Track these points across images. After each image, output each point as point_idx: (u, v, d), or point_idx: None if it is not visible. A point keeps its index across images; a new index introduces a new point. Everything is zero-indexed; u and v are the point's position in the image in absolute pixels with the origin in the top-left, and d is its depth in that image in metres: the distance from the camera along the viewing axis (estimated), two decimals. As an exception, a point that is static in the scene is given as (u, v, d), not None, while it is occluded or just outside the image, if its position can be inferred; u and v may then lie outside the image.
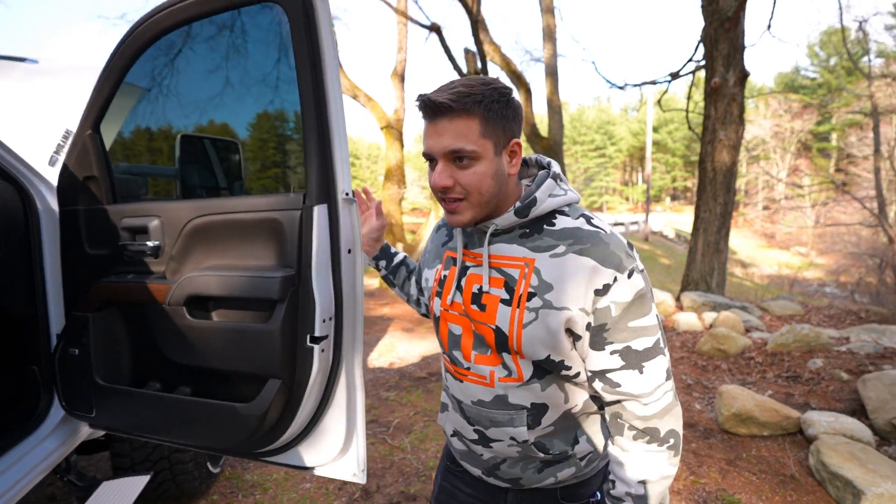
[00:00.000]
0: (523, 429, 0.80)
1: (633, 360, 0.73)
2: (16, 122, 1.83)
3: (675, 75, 7.73)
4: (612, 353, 0.73)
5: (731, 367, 3.72)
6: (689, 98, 8.08)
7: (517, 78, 11.19)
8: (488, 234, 0.78)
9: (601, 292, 0.71)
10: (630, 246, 0.75)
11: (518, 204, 0.77)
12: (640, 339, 0.73)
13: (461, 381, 0.84)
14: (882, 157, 10.95)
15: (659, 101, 8.85)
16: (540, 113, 11.80)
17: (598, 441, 0.86)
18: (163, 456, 1.84)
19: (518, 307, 0.74)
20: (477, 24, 7.25)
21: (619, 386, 0.74)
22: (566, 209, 0.79)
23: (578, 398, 0.82)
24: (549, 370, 0.78)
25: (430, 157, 0.75)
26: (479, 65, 7.40)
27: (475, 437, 0.85)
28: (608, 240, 0.73)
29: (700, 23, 6.96)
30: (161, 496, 1.98)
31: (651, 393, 0.74)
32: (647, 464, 0.75)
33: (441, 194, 0.76)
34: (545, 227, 0.77)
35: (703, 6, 6.30)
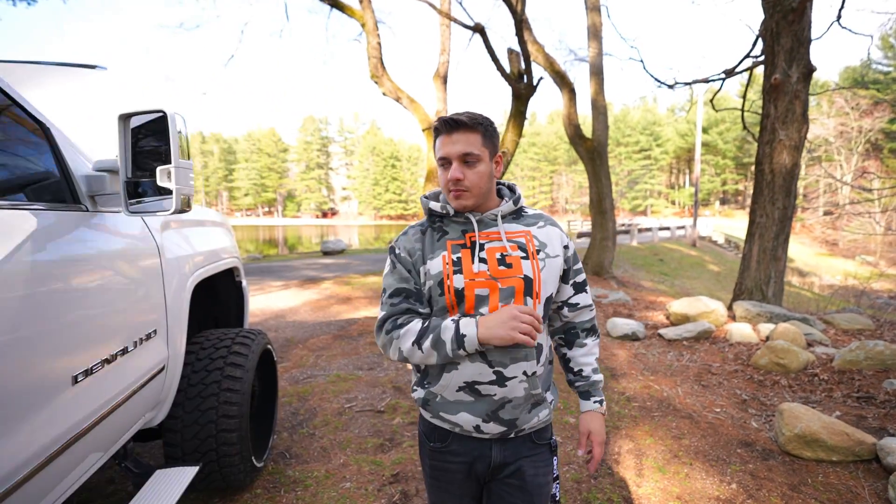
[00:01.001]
0: (534, 361, 1.08)
1: (581, 287, 1.22)
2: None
3: (729, 72, 7.33)
4: (573, 284, 1.21)
5: (792, 383, 3.46)
6: (744, 96, 7.63)
7: (561, 78, 10.97)
8: (499, 217, 1.13)
9: (567, 247, 1.18)
10: None
11: (511, 200, 1.16)
12: (581, 274, 1.22)
13: None
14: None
15: (711, 101, 8.41)
16: (583, 114, 11.54)
17: (553, 395, 1.19)
18: (211, 448, 1.89)
19: (534, 259, 1.10)
20: (521, 24, 7.16)
21: (578, 304, 1.22)
22: (528, 206, 1.24)
23: (548, 344, 1.19)
24: (547, 311, 1.15)
25: (446, 160, 1.07)
26: (523, 65, 7.30)
27: (492, 377, 1.06)
28: (556, 221, 1.22)
29: (759, 16, 6.56)
30: (209, 486, 2.04)
31: (591, 305, 1.25)
32: (596, 348, 1.26)
33: (453, 186, 1.07)
34: (523, 214, 1.19)
35: (763, -2, 5.94)
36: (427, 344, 1.04)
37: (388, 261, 1.17)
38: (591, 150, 10.76)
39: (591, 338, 1.24)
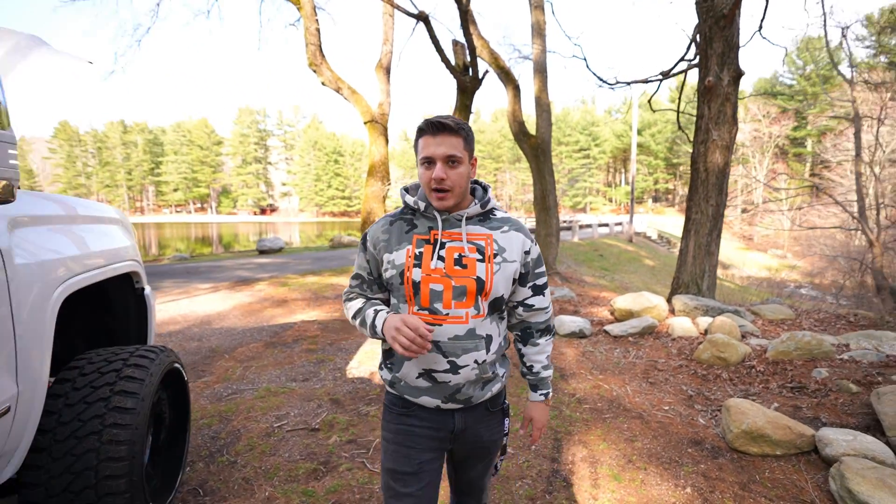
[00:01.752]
0: (483, 351, 1.19)
1: (539, 290, 1.29)
2: None
3: (666, 74, 7.60)
4: (530, 287, 1.27)
5: (732, 376, 3.53)
6: (679, 98, 7.96)
7: (506, 74, 10.94)
8: (464, 219, 1.20)
9: (528, 252, 1.24)
10: None
11: (479, 202, 1.22)
12: (542, 278, 1.29)
13: (440, 326, 1.16)
14: (862, 162, 11.09)
15: (649, 101, 8.71)
16: (527, 112, 11.66)
17: (504, 368, 1.31)
18: (90, 501, 1.51)
19: (489, 263, 1.18)
20: (466, 15, 6.98)
21: (533, 305, 1.29)
22: (498, 207, 1.28)
23: (502, 335, 1.27)
24: (495, 308, 1.22)
25: (430, 160, 1.13)
26: (468, 57, 7.13)
27: (447, 367, 1.17)
28: (524, 225, 1.26)
29: (693, 20, 6.83)
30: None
31: (547, 307, 1.33)
32: (549, 346, 1.36)
33: (437, 184, 1.13)
34: (490, 216, 1.24)
35: (697, 3, 6.15)
36: (358, 323, 1.25)
37: (360, 245, 1.30)
38: (535, 147, 10.85)
39: (544, 337, 1.35)
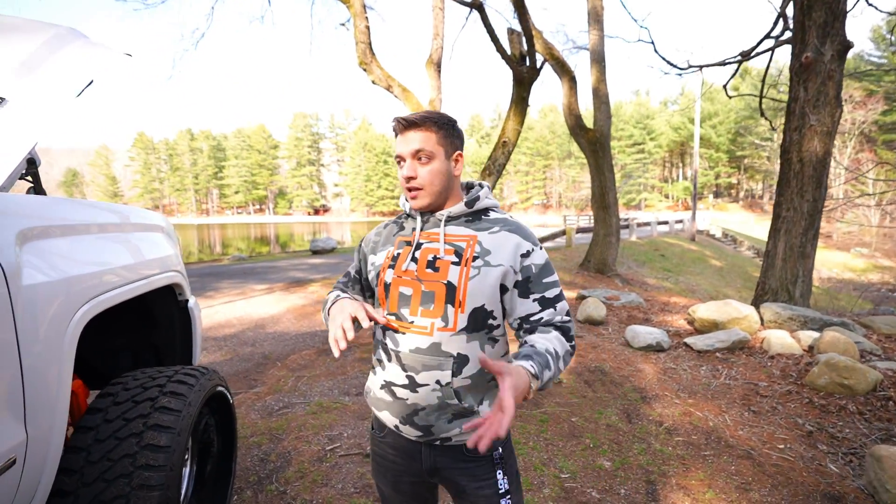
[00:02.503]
0: (448, 373, 1.02)
1: (549, 303, 1.06)
2: None
3: (746, 54, 6.79)
4: (534, 300, 1.05)
5: (862, 409, 2.92)
6: (763, 80, 7.08)
7: (561, 65, 10.39)
8: (444, 218, 1.09)
9: (525, 255, 1.06)
10: None
11: (466, 199, 1.11)
12: (553, 289, 1.07)
13: (403, 334, 1.06)
14: None
15: (724, 87, 7.86)
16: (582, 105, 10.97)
17: (490, 408, 1.00)
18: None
19: (465, 266, 1.04)
20: (522, 2, 6.55)
21: (542, 320, 1.05)
22: (495, 209, 1.15)
23: (476, 356, 1.04)
24: (478, 324, 1.04)
25: (401, 158, 1.07)
26: (525, 46, 6.70)
27: (405, 381, 1.05)
28: (525, 227, 1.12)
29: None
30: None
31: (565, 320, 1.07)
32: (560, 345, 1.01)
33: (406, 183, 1.07)
34: (482, 217, 1.12)
35: (791, -31, 5.39)
36: (323, 315, 1.17)
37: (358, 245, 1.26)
38: (593, 141, 10.21)
39: (558, 333, 1.05)
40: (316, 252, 15.85)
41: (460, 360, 1.03)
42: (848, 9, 5.37)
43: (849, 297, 14.60)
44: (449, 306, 1.03)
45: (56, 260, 1.19)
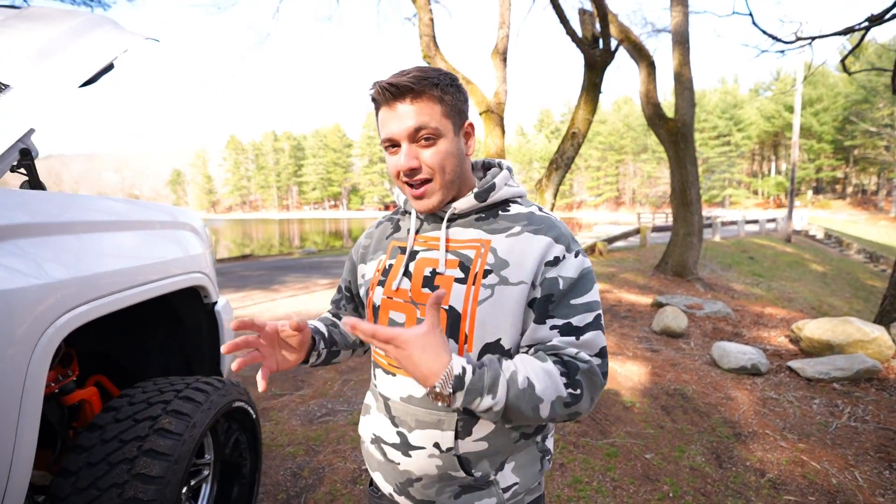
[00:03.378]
0: (450, 434, 0.76)
1: (571, 332, 0.73)
2: None
3: (875, 19, 5.66)
4: (553, 328, 0.74)
5: None
6: (896, 52, 5.86)
7: (638, 50, 9.57)
8: (447, 217, 0.79)
9: (552, 264, 0.75)
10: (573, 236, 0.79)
11: (477, 189, 0.80)
12: (580, 315, 0.74)
13: (393, 375, 0.82)
14: None
15: (842, 62, 6.66)
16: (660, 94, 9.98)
17: (528, 473, 0.82)
18: None
19: (474, 284, 0.74)
20: (595, -20, 5.98)
21: (556, 347, 0.73)
22: (519, 199, 0.83)
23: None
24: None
25: (393, 143, 0.76)
26: (598, 27, 6.12)
27: (396, 440, 0.81)
28: (559, 224, 0.79)
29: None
30: None
31: (584, 352, 0.73)
32: (552, 385, 0.69)
33: (407, 178, 0.76)
34: (500, 212, 0.81)
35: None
36: None
37: None
38: (673, 131, 9.30)
39: (557, 369, 0.70)
40: (379, 248, 16.11)
41: (469, 416, 0.76)
42: None
43: None
44: (451, 342, 0.75)
45: (29, 264, 1.03)
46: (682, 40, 9.43)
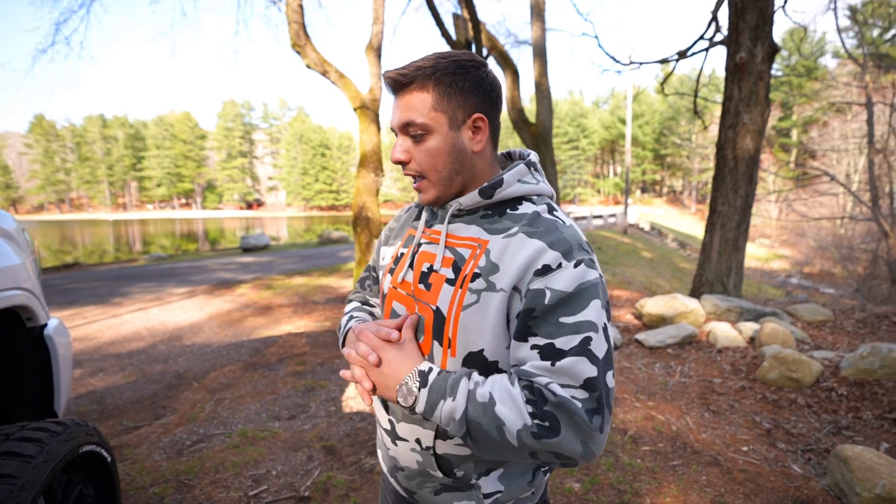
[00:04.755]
0: (430, 433, 0.75)
1: (552, 356, 0.64)
2: None
3: (682, 54, 6.98)
4: (534, 347, 0.66)
5: (810, 402, 2.94)
6: (697, 80, 7.34)
7: (504, 58, 10.27)
8: (449, 213, 0.77)
9: (540, 272, 0.66)
10: (588, 245, 0.71)
11: (478, 189, 0.75)
12: (565, 336, 0.63)
13: None
14: (874, 149, 10.68)
15: (661, 85, 8.08)
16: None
17: (516, 483, 0.77)
18: None
19: (461, 287, 0.71)
20: (466, -13, 6.26)
21: (527, 373, 0.65)
22: (534, 198, 0.76)
23: None
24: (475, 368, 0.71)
25: (396, 133, 0.76)
26: (471, 32, 6.42)
27: (388, 426, 0.82)
28: (564, 229, 0.70)
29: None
30: None
31: (565, 383, 0.63)
32: (508, 396, 0.63)
33: (403, 170, 0.76)
34: (508, 210, 0.75)
35: (727, -30, 5.52)
36: (339, 337, 0.90)
37: None
38: (535, 135, 10.22)
39: (523, 395, 0.64)
40: (247, 250, 14.74)
41: None
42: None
43: (758, 283, 15.96)
44: (436, 343, 0.72)
45: None
46: (541, 53, 10.41)
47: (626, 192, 24.00)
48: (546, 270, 0.65)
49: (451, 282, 0.72)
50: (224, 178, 80.00)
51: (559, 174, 62.10)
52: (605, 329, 0.65)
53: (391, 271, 0.84)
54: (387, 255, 0.89)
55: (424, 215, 0.84)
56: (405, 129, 0.74)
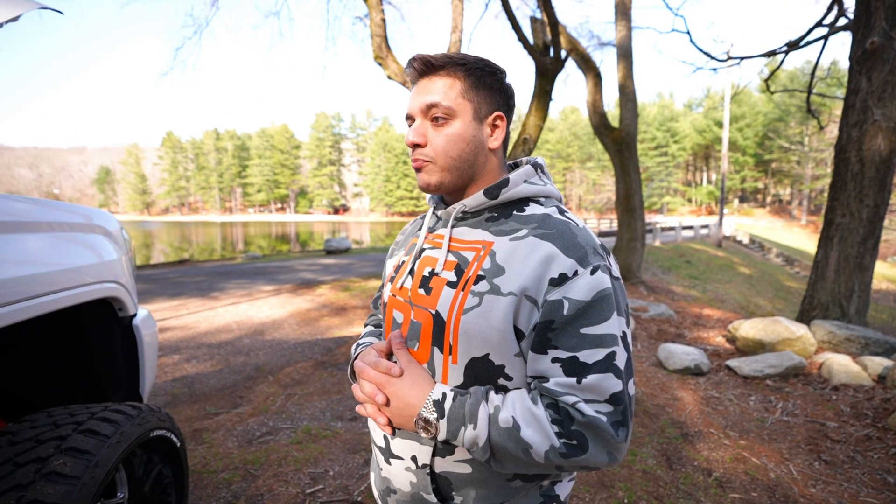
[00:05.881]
0: (428, 450, 0.70)
1: (576, 370, 0.62)
2: None
3: (794, 44, 6.18)
4: (555, 360, 0.63)
5: (963, 462, 2.38)
6: (812, 73, 6.45)
7: (585, 61, 9.90)
8: (453, 216, 0.75)
9: (556, 282, 0.63)
10: (604, 248, 0.69)
11: (484, 190, 0.73)
12: (591, 349, 0.62)
13: None
14: None
15: (767, 80, 7.23)
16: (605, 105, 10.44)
17: None
18: None
19: (463, 290, 0.67)
20: (546, -11, 6.09)
21: (551, 392, 0.63)
22: (542, 200, 0.74)
23: None
24: (480, 385, 0.67)
25: (411, 119, 0.74)
26: (549, 35, 6.24)
27: (382, 444, 0.77)
28: (577, 231, 0.67)
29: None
30: None
31: (589, 400, 0.62)
32: (532, 419, 0.62)
33: (412, 153, 0.74)
34: (514, 212, 0.72)
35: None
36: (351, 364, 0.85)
37: None
38: (618, 140, 9.67)
39: (548, 414, 0.62)
40: (330, 252, 15.63)
41: None
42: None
43: (892, 310, 13.63)
44: (436, 350, 0.69)
45: None
46: (626, 54, 9.87)
47: (721, 200, 21.89)
48: (562, 280, 0.63)
49: (452, 285, 0.69)
50: (315, 184, 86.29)
51: (644, 182, 58.47)
52: (624, 338, 0.64)
53: (392, 280, 0.82)
54: (390, 266, 0.89)
55: (428, 222, 0.81)
56: (427, 110, 0.71)
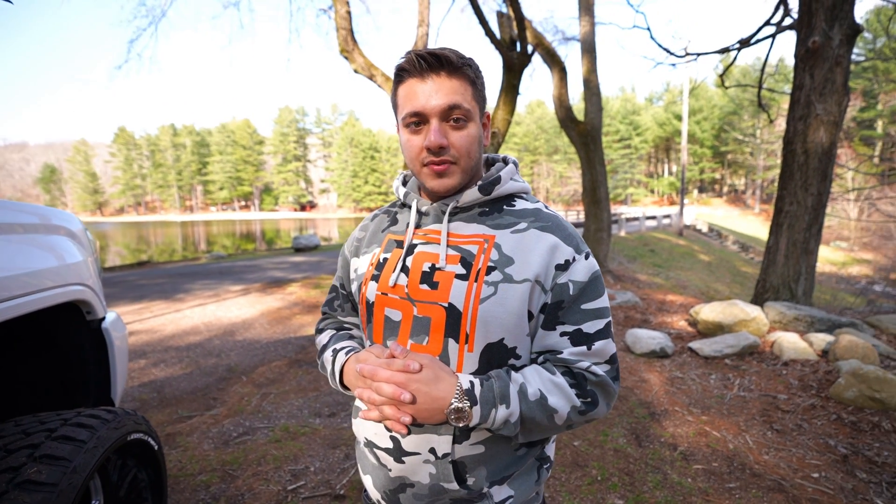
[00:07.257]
0: (448, 438, 0.72)
1: (582, 340, 0.72)
2: None
3: (745, 42, 6.50)
4: (563, 334, 0.72)
5: (896, 425, 2.61)
6: (762, 70, 6.80)
7: (551, 56, 10.06)
8: (448, 211, 0.76)
9: (562, 267, 0.72)
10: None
11: (481, 182, 0.77)
12: (592, 321, 0.73)
13: None
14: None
15: (721, 76, 7.57)
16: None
17: (524, 484, 0.78)
18: None
19: (476, 281, 0.71)
20: (511, -16, 6.16)
21: (567, 361, 0.72)
22: (524, 195, 0.81)
23: None
24: (493, 367, 0.72)
25: (420, 117, 0.72)
26: (515, 30, 6.32)
27: (389, 445, 0.76)
28: (566, 224, 0.77)
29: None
30: None
31: (596, 363, 0.73)
32: (554, 387, 0.70)
33: (434, 156, 0.72)
34: (505, 207, 0.78)
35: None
36: (320, 366, 0.90)
37: None
38: (584, 133, 9.91)
39: (566, 380, 0.71)
40: (298, 250, 15.34)
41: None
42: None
43: (833, 291, 14.61)
44: (450, 341, 0.72)
45: None
46: (590, 49, 10.08)
47: (681, 191, 22.77)
48: (566, 265, 0.72)
49: (462, 277, 0.72)
50: (280, 181, 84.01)
51: (609, 174, 60.06)
52: (609, 308, 0.77)
53: (374, 278, 0.80)
54: (361, 265, 0.85)
55: (412, 219, 0.80)
56: (448, 112, 0.71)
